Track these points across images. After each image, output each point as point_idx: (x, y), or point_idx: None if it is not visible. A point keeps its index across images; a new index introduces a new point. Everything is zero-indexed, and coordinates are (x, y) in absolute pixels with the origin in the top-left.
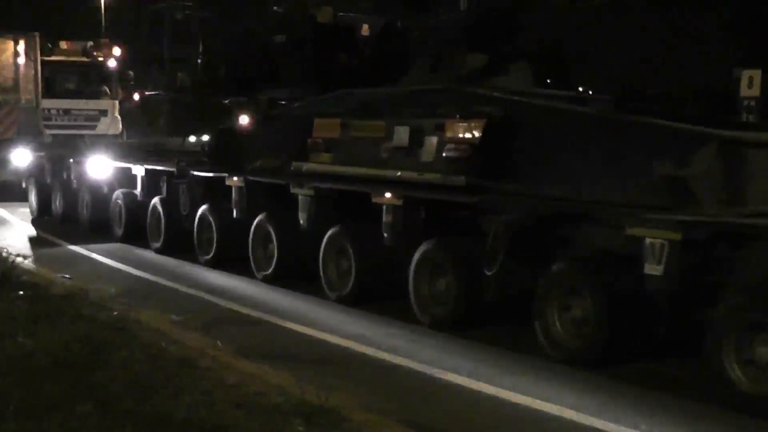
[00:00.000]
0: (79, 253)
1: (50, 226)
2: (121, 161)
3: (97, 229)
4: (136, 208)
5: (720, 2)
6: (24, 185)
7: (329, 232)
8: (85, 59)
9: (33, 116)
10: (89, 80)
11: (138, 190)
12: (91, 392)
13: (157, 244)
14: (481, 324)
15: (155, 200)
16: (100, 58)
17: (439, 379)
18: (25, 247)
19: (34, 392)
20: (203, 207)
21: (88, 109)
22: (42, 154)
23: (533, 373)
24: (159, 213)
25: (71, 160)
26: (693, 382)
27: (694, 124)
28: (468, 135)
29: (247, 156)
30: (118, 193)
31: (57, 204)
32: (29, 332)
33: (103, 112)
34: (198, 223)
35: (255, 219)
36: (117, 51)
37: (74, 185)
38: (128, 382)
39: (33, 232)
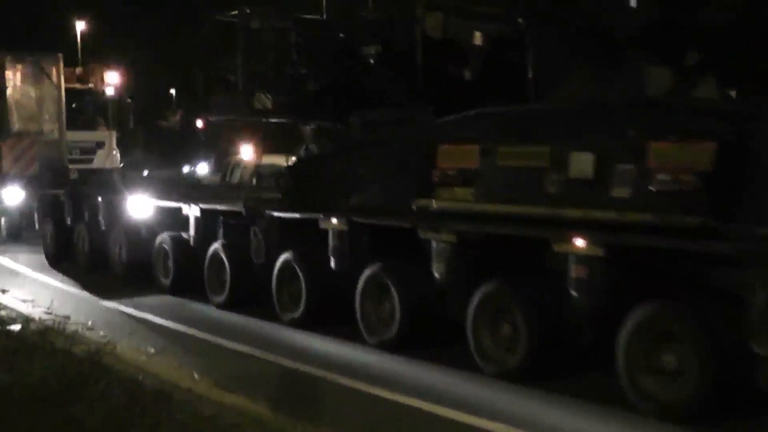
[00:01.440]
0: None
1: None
2: (167, 199)
3: (134, 279)
4: (187, 255)
5: None
6: (16, 224)
7: (483, 290)
8: (77, 86)
9: (56, 149)
10: (83, 109)
11: (191, 234)
12: (68, 426)
13: (220, 298)
14: None
15: (216, 246)
16: (90, 85)
17: None
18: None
19: (10, 426)
20: (286, 255)
21: (83, 141)
22: (62, 191)
23: None
24: (222, 261)
25: (100, 199)
26: None
27: None
28: (691, 162)
29: (336, 191)
30: (163, 237)
31: (81, 248)
32: (6, 366)
33: (100, 144)
34: (278, 274)
35: (364, 271)
36: (113, 77)
37: (103, 227)
38: (105, 415)
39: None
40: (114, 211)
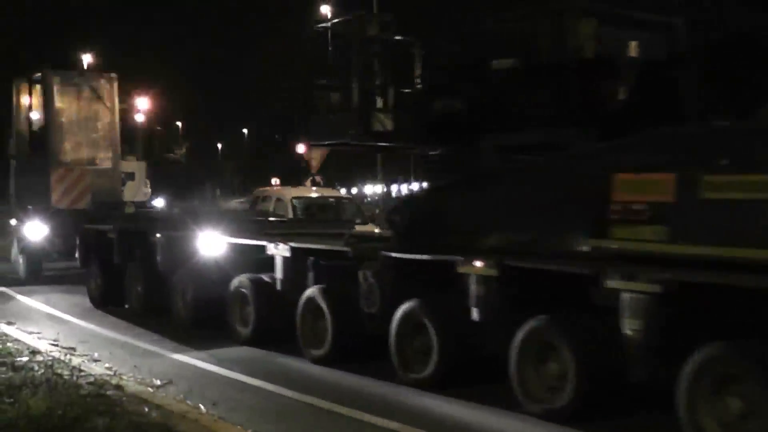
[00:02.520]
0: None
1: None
2: (245, 237)
3: (201, 326)
4: (272, 301)
5: None
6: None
7: (707, 353)
8: None
9: (110, 180)
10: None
11: (277, 277)
12: None
13: (318, 352)
14: None
15: (312, 292)
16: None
17: None
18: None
19: None
20: (410, 304)
21: None
22: (110, 227)
23: None
24: (320, 309)
25: (158, 235)
26: None
27: None
28: None
29: (469, 229)
30: (241, 280)
31: (134, 291)
32: (12, 399)
33: (130, 176)
34: (399, 326)
35: (522, 325)
36: (143, 102)
37: (162, 267)
38: None
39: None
40: (176, 249)
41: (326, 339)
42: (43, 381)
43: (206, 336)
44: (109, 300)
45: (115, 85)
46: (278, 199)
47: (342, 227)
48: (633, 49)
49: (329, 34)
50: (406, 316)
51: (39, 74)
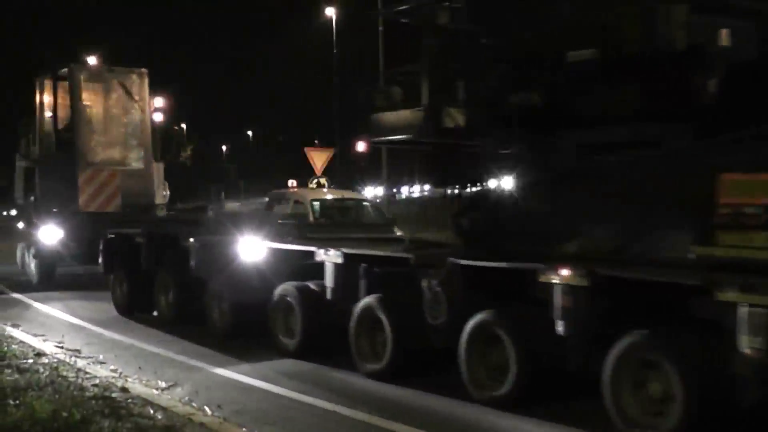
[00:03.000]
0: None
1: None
2: (291, 242)
3: (239, 336)
4: (320, 311)
5: None
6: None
7: None
8: None
9: (142, 182)
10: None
11: (328, 285)
12: None
13: (376, 366)
14: None
15: (370, 301)
16: None
17: None
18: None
19: None
20: (483, 316)
21: None
22: (138, 231)
23: None
24: (378, 320)
25: (191, 240)
26: None
27: None
28: None
29: (544, 234)
30: (286, 289)
31: (164, 299)
32: (18, 401)
33: None
34: (470, 338)
35: (620, 341)
36: (159, 100)
37: (196, 274)
38: None
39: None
40: (212, 254)
41: (385, 352)
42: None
43: (245, 347)
44: (135, 307)
45: (146, 80)
46: (296, 201)
47: (373, 231)
48: (724, 37)
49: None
50: (479, 329)
51: (65, 70)
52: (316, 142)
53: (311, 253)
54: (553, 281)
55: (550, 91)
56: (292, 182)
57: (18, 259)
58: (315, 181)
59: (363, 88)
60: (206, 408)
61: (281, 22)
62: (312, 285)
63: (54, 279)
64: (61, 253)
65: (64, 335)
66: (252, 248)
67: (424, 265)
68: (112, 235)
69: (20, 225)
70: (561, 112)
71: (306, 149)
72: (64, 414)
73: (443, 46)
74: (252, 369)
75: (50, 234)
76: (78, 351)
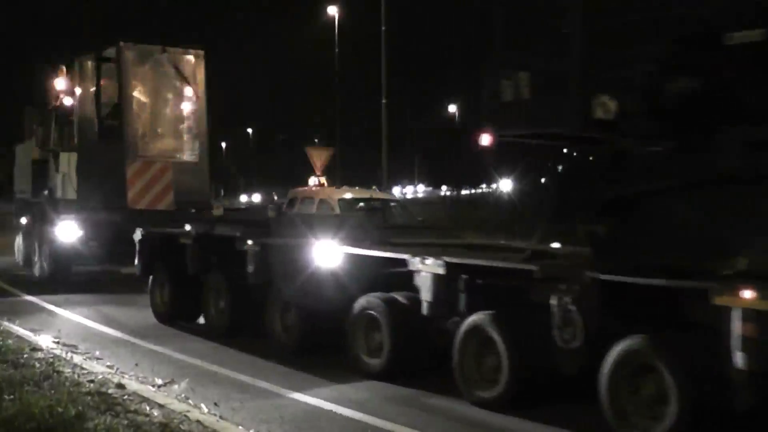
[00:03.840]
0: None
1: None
2: (376, 248)
3: (307, 352)
4: (412, 327)
5: None
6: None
7: None
8: None
9: (197, 177)
10: None
11: (425, 299)
12: None
13: (488, 394)
14: None
15: (479, 319)
16: None
17: None
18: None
19: None
20: (633, 342)
21: None
22: (183, 231)
23: None
24: (490, 342)
25: (250, 242)
26: None
27: None
28: None
29: (705, 246)
30: (369, 301)
31: (214, 307)
32: (13, 396)
33: None
34: (616, 368)
35: None
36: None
37: (254, 281)
38: None
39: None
40: (275, 260)
41: (500, 378)
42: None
43: (317, 365)
44: (178, 315)
45: (203, 62)
46: (322, 201)
47: (413, 234)
48: None
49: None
50: (628, 357)
51: (111, 49)
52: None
53: (399, 262)
54: (732, 304)
55: (713, 79)
56: (314, 180)
57: (17, 254)
58: (315, 180)
59: (489, 75)
60: None
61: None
62: (400, 297)
63: (69, 279)
64: (81, 251)
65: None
66: (327, 254)
67: (552, 279)
68: (151, 235)
69: (23, 220)
70: (726, 104)
71: (306, 148)
72: (61, 410)
73: (591, 23)
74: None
75: (69, 231)
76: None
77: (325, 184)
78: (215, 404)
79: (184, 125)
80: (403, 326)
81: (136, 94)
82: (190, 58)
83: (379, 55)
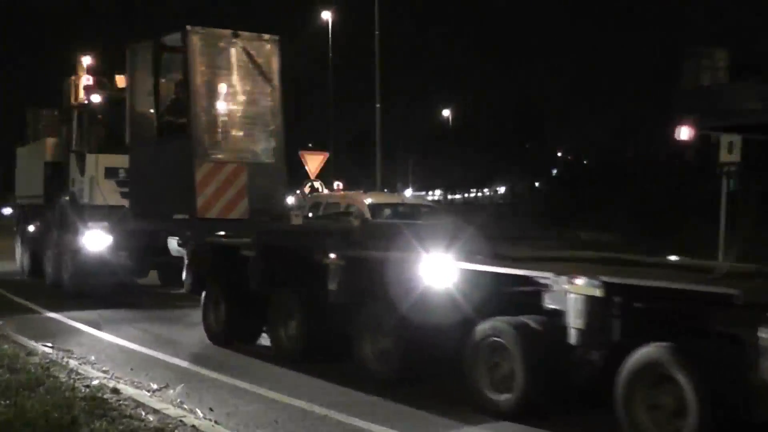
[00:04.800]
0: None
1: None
2: (503, 264)
3: (405, 383)
4: (552, 359)
5: None
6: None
7: None
8: None
9: (275, 181)
10: None
11: (574, 326)
12: None
13: None
14: None
15: (654, 352)
16: None
17: None
18: None
19: None
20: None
21: None
22: (245, 242)
23: None
24: (674, 381)
25: (333, 256)
26: None
27: None
28: None
29: None
30: (497, 327)
31: (285, 329)
32: (8, 401)
33: None
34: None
35: None
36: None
37: (337, 300)
38: None
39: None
40: (365, 276)
41: (684, 425)
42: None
43: (423, 399)
44: (237, 335)
45: (277, 50)
46: (349, 206)
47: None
48: None
49: None
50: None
51: (174, 35)
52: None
53: (528, 280)
54: None
55: None
56: (338, 184)
57: (19, 263)
58: (309, 184)
59: (689, 57)
60: None
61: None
62: (532, 322)
63: (95, 292)
64: (109, 262)
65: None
66: (439, 270)
67: (758, 305)
68: (204, 246)
69: (30, 227)
70: None
71: (301, 152)
72: (57, 415)
73: None
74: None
75: (97, 240)
76: (87, 358)
77: (320, 189)
78: (210, 409)
79: (259, 121)
80: (539, 357)
81: (205, 84)
82: (265, 44)
83: (372, 60)
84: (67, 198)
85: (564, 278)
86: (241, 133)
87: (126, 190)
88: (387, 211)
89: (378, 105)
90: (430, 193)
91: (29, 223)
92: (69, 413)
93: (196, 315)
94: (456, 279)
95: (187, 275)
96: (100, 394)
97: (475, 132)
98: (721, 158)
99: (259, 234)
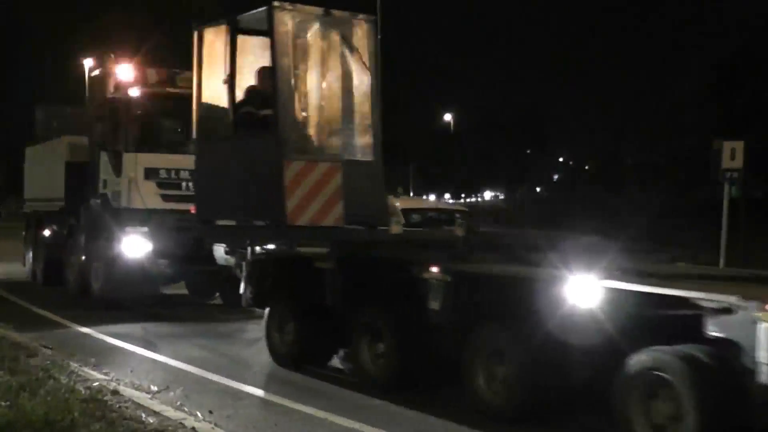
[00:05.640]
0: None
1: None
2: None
3: (528, 420)
4: (727, 399)
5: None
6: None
7: None
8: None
9: (373, 182)
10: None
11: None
12: None
13: None
14: None
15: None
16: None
17: None
18: None
19: None
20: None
21: None
22: (320, 253)
23: None
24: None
25: (436, 270)
26: None
27: None
28: None
29: None
30: (659, 359)
31: (371, 353)
32: (9, 402)
33: None
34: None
35: None
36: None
37: (443, 320)
38: None
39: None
40: (482, 294)
41: None
42: None
43: None
44: (307, 358)
45: (374, 32)
46: (454, 212)
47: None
48: None
49: None
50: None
51: (254, 14)
52: None
53: (694, 303)
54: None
55: None
56: None
57: (29, 271)
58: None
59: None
60: None
61: None
62: (701, 354)
63: (123, 303)
64: (148, 271)
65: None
66: (581, 290)
67: None
68: (269, 256)
69: (46, 232)
70: None
71: None
72: (57, 416)
73: None
74: None
75: (136, 246)
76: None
77: None
78: (210, 412)
79: (355, 113)
80: (716, 397)
81: (292, 71)
82: (360, 24)
83: None
84: (98, 201)
85: (754, 304)
86: (334, 127)
87: (167, 192)
88: (416, 217)
89: None
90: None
91: (44, 228)
92: (68, 415)
93: (252, 330)
94: (596, 299)
95: (246, 288)
96: (99, 396)
97: (477, 136)
98: (723, 165)
99: (339, 244)
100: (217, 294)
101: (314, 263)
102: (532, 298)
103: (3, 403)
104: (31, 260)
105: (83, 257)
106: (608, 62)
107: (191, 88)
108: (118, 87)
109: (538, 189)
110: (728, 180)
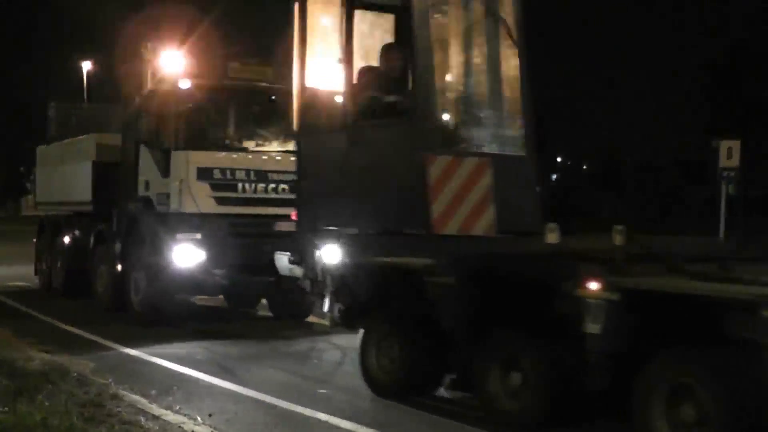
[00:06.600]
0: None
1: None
2: None
3: None
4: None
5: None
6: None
7: None
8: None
9: (525, 182)
10: (270, 121)
11: None
12: None
13: None
14: None
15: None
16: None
17: None
18: None
19: None
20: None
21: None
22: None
23: None
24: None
25: (595, 287)
26: None
27: None
28: None
29: None
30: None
31: (502, 383)
32: (7, 407)
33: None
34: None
35: None
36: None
37: (607, 348)
38: None
39: None
40: (655, 317)
41: None
42: None
43: None
44: (414, 387)
45: (521, 3)
46: None
47: None
48: None
49: None
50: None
51: None
52: None
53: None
54: None
55: None
56: None
57: (41, 279)
58: None
59: None
60: None
61: None
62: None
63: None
64: (199, 282)
65: None
66: None
67: None
68: (365, 268)
69: (66, 239)
70: None
71: None
72: (56, 421)
73: None
74: None
75: (188, 255)
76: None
77: None
78: (209, 415)
79: (504, 98)
80: (742, 402)
81: (432, 50)
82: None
83: None
84: (139, 204)
85: None
86: (482, 115)
87: (221, 194)
88: None
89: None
90: None
91: (62, 234)
92: (67, 420)
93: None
94: None
95: (332, 304)
96: (99, 401)
97: None
98: (720, 163)
99: (459, 256)
100: (260, 303)
101: (427, 278)
102: (734, 322)
103: (1, 408)
104: (45, 268)
105: (119, 267)
106: (608, 62)
107: (246, 79)
108: (164, 79)
109: (537, 189)
110: (725, 179)
